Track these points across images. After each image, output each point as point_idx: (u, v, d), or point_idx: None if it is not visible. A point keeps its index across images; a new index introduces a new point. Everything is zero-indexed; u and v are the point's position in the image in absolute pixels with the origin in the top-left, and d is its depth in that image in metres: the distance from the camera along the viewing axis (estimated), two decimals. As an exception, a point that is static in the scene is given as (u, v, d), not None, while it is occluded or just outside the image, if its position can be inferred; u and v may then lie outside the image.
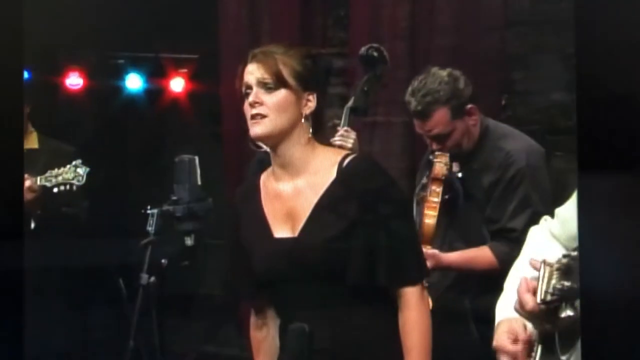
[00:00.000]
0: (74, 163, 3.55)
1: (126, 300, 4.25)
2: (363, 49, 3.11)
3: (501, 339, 1.97)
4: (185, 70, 5.11)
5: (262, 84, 2.31)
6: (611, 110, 1.19)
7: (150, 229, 2.78)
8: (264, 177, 2.45)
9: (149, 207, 2.82)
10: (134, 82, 5.15)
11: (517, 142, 3.11)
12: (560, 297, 1.69)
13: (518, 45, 4.14)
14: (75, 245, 3.86)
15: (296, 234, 2.32)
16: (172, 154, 2.94)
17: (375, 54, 3.12)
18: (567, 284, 1.67)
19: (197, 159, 2.70)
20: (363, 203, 2.29)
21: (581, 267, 1.29)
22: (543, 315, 1.78)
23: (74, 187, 3.53)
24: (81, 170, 3.53)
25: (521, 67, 4.23)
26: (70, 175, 3.52)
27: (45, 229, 3.72)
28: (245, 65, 2.36)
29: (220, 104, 4.64)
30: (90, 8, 4.56)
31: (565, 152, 4.24)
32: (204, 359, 5.13)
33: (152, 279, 2.79)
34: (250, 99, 2.32)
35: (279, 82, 2.31)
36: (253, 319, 2.52)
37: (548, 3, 4.21)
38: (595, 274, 1.24)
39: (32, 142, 3.95)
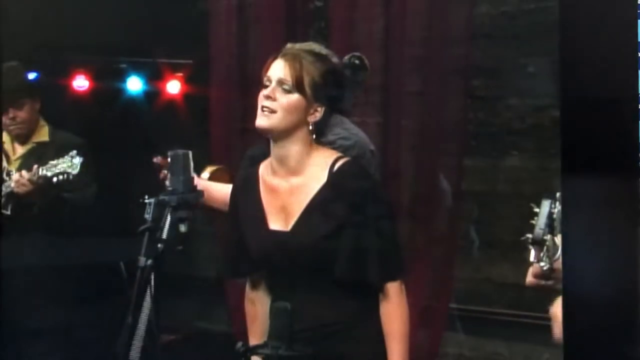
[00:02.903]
0: (70, 154, 3.51)
1: (126, 281, 4.21)
2: (346, 57, 3.04)
3: (555, 307, 1.99)
4: (181, 74, 5.07)
5: (281, 83, 2.26)
6: (594, 114, 1.14)
7: (148, 216, 2.72)
8: (262, 168, 2.41)
9: (146, 197, 2.77)
10: (134, 84, 5.11)
11: None
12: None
13: (480, 56, 4.14)
14: (79, 233, 3.82)
15: (288, 229, 2.29)
16: (167, 148, 2.89)
17: (357, 62, 3.06)
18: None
19: (190, 153, 2.64)
20: (350, 205, 2.26)
21: (565, 268, 1.25)
22: (542, 274, 1.80)
23: (70, 176, 3.49)
24: (76, 160, 3.49)
25: (482, 75, 4.22)
26: (66, 165, 3.49)
27: (47, 216, 3.68)
28: (275, 58, 2.31)
29: (210, 104, 4.60)
30: (96, 17, 4.52)
31: (519, 152, 4.24)
32: (196, 334, 5.10)
33: (149, 261, 2.73)
34: (267, 92, 2.27)
35: (296, 86, 2.26)
36: (247, 293, 2.49)
37: (507, 19, 4.21)
38: (579, 274, 1.20)
39: (43, 135, 3.89)
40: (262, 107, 2.27)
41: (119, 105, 5.06)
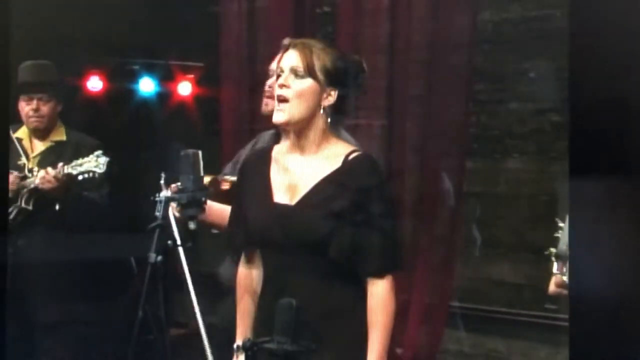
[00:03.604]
0: (95, 153, 3.56)
1: (137, 277, 4.21)
2: None
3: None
4: (192, 76, 5.08)
5: (294, 71, 2.30)
6: (602, 116, 1.13)
7: (158, 214, 2.73)
8: (276, 150, 2.43)
9: (157, 195, 2.77)
10: (147, 86, 5.12)
11: None
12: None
13: (482, 61, 4.13)
14: (92, 229, 3.84)
15: (293, 203, 2.30)
16: (178, 148, 2.90)
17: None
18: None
19: (200, 152, 2.65)
20: (357, 194, 2.27)
21: (571, 269, 1.24)
22: (564, 284, 1.84)
23: (96, 175, 3.54)
24: (102, 160, 3.53)
25: (484, 80, 4.22)
26: (92, 165, 3.53)
27: (67, 213, 3.70)
28: (286, 50, 2.34)
29: (219, 105, 4.61)
30: (110, 20, 4.53)
31: (520, 155, 4.24)
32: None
33: (159, 257, 2.74)
34: (280, 81, 2.31)
35: (308, 71, 2.29)
36: (242, 263, 2.49)
37: (508, 26, 4.21)
38: (585, 275, 1.18)
39: (60, 134, 3.93)
40: (278, 96, 2.31)
41: (132, 105, 5.08)
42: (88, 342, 4.05)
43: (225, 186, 2.89)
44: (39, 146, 3.87)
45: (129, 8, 4.57)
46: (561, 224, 1.81)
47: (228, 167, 3.04)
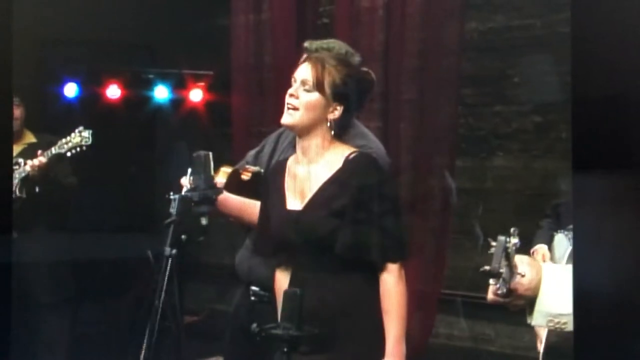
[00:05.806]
0: (77, 130, 3.50)
1: (154, 269, 4.21)
2: None
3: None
4: (203, 84, 5.08)
5: (304, 84, 2.29)
6: (604, 113, 1.10)
7: (173, 210, 2.72)
8: (290, 159, 2.43)
9: (171, 193, 2.77)
10: (161, 93, 5.12)
11: None
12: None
13: (469, 67, 4.13)
14: (113, 227, 3.84)
15: (301, 208, 2.29)
16: (190, 150, 2.89)
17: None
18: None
19: (211, 154, 2.64)
20: (357, 190, 2.26)
21: (575, 266, 1.21)
22: (500, 295, 1.80)
23: (84, 148, 3.49)
24: (86, 133, 3.48)
25: (471, 84, 4.22)
26: (77, 140, 3.47)
27: (47, 196, 3.67)
28: (303, 60, 2.33)
29: (230, 110, 4.61)
30: (128, 33, 4.54)
31: (504, 153, 4.23)
32: (215, 315, 5.10)
33: (174, 251, 2.73)
34: (291, 90, 2.31)
35: (317, 86, 2.27)
36: (277, 266, 2.47)
37: (493, 34, 4.21)
38: (589, 272, 1.15)
39: (30, 138, 3.92)
40: (287, 104, 2.31)
41: (148, 111, 5.09)
42: (108, 330, 4.06)
43: (246, 176, 2.85)
44: (14, 149, 3.84)
45: (146, 22, 4.58)
46: (493, 243, 1.77)
47: (250, 156, 2.99)
